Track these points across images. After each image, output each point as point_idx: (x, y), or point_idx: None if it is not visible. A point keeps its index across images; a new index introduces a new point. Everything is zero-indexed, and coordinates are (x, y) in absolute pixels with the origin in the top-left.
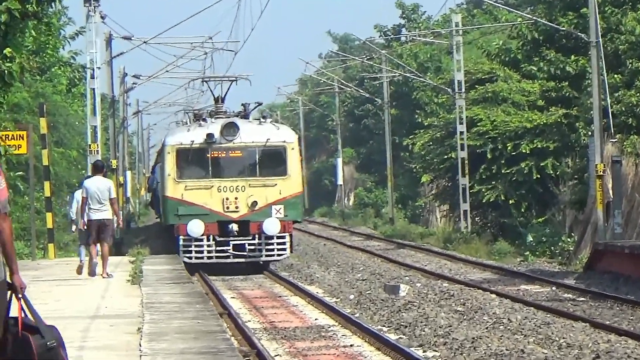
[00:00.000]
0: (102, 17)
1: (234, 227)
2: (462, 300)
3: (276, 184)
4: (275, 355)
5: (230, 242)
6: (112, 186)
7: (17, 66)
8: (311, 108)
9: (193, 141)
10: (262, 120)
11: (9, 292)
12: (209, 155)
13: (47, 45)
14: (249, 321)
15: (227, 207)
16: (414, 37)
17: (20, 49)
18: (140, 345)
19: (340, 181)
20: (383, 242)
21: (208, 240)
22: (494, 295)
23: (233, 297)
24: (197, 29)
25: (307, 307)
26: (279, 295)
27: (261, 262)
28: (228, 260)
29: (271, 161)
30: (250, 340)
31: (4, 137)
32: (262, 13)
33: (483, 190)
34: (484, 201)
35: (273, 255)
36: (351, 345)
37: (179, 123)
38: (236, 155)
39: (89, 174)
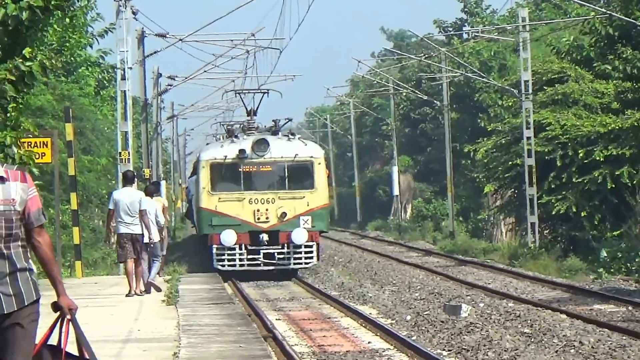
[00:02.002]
0: (134, 13)
1: (265, 236)
2: (529, 321)
3: (304, 197)
4: None
5: (261, 251)
6: (143, 198)
7: (37, 65)
8: (363, 111)
9: (226, 156)
10: (290, 136)
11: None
12: (241, 169)
13: (71, 41)
14: (296, 345)
15: (258, 218)
16: (477, 34)
17: (42, 46)
18: None
19: (396, 192)
20: (443, 258)
21: (240, 249)
22: (564, 316)
23: (278, 319)
24: (239, 25)
25: (360, 329)
26: (329, 316)
27: (290, 269)
28: (259, 268)
29: (299, 175)
30: None
31: (26, 144)
32: (310, 8)
33: (552, 201)
34: (553, 213)
35: (301, 263)
36: None
37: (215, 137)
38: (266, 170)
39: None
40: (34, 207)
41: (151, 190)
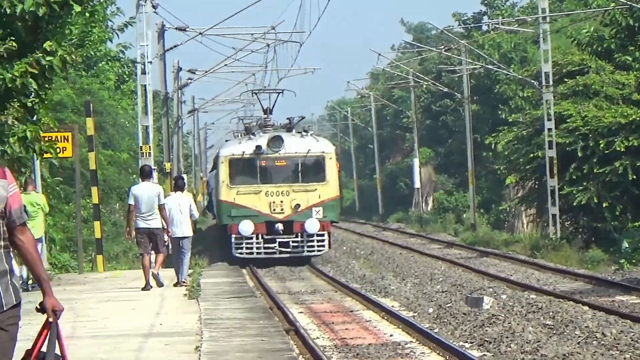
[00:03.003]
0: (154, 7)
1: (280, 226)
2: (551, 313)
3: (316, 189)
4: None
5: (277, 240)
6: (162, 192)
7: (58, 60)
8: (384, 104)
9: (244, 152)
10: (304, 133)
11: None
12: (257, 164)
13: (91, 35)
14: (318, 338)
15: (274, 209)
16: (497, 26)
17: (63, 40)
18: None
19: (417, 184)
20: (464, 250)
21: (257, 238)
22: (586, 308)
23: (300, 312)
24: (259, 18)
25: (382, 322)
26: (351, 309)
27: (303, 256)
28: (275, 256)
29: (312, 169)
30: (320, 359)
31: (47, 139)
32: (330, 0)
33: (574, 192)
34: (574, 204)
35: (313, 250)
36: None
37: (234, 133)
38: (281, 164)
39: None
40: (16, 204)
41: (181, 184)
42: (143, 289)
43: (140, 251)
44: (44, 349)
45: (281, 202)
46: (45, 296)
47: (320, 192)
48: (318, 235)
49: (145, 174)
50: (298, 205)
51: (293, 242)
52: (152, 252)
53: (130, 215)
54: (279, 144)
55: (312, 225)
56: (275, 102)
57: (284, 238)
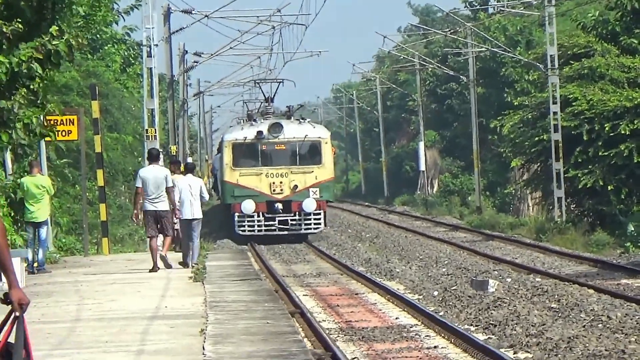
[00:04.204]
0: None
1: (279, 205)
2: (556, 296)
3: (313, 171)
4: (353, 358)
5: (276, 218)
6: (169, 175)
7: (64, 44)
8: (389, 87)
9: (246, 137)
10: (301, 120)
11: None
12: (258, 148)
13: (96, 18)
14: (324, 321)
15: (274, 190)
16: (502, 8)
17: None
18: (203, 348)
19: (422, 167)
20: (470, 233)
21: (258, 216)
22: (591, 291)
23: (305, 295)
24: (264, 1)
25: (387, 305)
26: (356, 292)
27: (301, 233)
28: (274, 233)
29: (309, 153)
30: (325, 342)
31: (52, 122)
32: None
33: (579, 175)
34: (580, 187)
35: (310, 228)
36: (435, 347)
37: (237, 120)
38: (281, 148)
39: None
40: None
41: (191, 167)
42: (151, 271)
43: (147, 234)
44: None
45: (280, 183)
46: (11, 288)
47: (317, 174)
48: (315, 213)
49: (153, 157)
50: (296, 186)
51: (291, 220)
52: (159, 234)
53: (137, 198)
54: (278, 130)
55: (309, 205)
56: (276, 91)
57: (283, 216)
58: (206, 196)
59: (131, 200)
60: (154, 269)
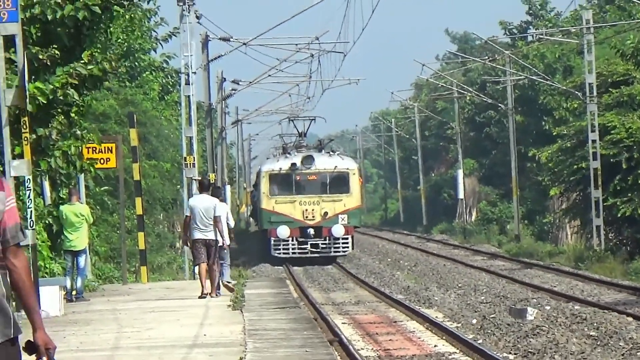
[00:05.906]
0: (198, 17)
1: (311, 231)
2: (595, 324)
3: (341, 200)
4: None
5: (308, 242)
6: (218, 204)
7: (97, 69)
8: (428, 115)
9: (281, 168)
10: (331, 152)
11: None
12: (293, 178)
13: (134, 43)
14: (362, 349)
15: (306, 217)
16: (541, 36)
17: (104, 46)
18: None
19: (461, 195)
20: (508, 261)
21: (292, 240)
22: (630, 319)
23: (344, 323)
24: (303, 29)
25: (426, 332)
26: (395, 320)
27: (330, 256)
28: (306, 255)
29: (338, 183)
30: None
31: (91, 150)
32: (374, 11)
33: (618, 203)
34: (619, 216)
35: (339, 251)
36: None
37: (273, 153)
38: (312, 179)
39: (196, 190)
40: (12, 220)
41: (217, 192)
42: (200, 297)
43: (196, 261)
44: None
45: (312, 210)
46: (36, 331)
47: (345, 202)
48: (343, 238)
49: (204, 187)
50: (326, 213)
51: (322, 244)
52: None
53: (186, 226)
54: (310, 162)
55: (338, 230)
56: (309, 126)
57: (314, 240)
58: (231, 222)
59: (169, 228)
60: (203, 295)
